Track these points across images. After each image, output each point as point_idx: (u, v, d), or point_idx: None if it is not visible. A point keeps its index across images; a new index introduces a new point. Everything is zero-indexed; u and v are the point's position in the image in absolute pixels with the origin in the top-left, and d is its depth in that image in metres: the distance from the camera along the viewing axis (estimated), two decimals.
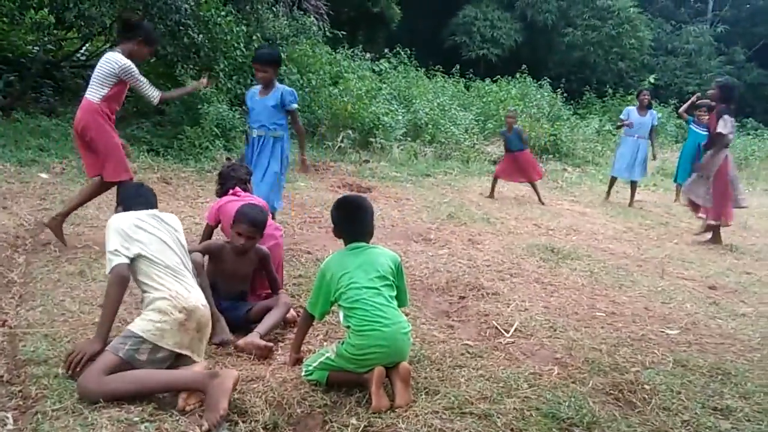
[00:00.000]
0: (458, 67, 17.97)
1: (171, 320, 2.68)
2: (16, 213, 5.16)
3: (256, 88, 5.16)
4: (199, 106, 8.78)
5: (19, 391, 2.55)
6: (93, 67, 10.77)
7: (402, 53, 16.55)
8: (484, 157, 11.86)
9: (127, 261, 2.74)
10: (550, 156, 13.13)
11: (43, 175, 6.48)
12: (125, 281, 2.75)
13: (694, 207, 7.04)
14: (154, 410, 2.44)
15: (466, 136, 12.32)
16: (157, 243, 2.87)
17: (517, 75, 17.69)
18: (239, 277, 3.61)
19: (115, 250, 2.75)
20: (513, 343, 3.56)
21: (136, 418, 2.38)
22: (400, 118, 11.77)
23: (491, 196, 8.50)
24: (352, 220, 2.99)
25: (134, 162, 7.63)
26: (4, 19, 9.37)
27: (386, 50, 16.52)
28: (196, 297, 2.82)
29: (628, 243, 6.55)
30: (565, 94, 17.65)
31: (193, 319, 2.74)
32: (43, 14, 9.43)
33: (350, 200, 3.15)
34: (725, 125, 6.55)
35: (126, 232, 2.81)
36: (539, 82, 17.50)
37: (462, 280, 4.61)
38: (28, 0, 8.81)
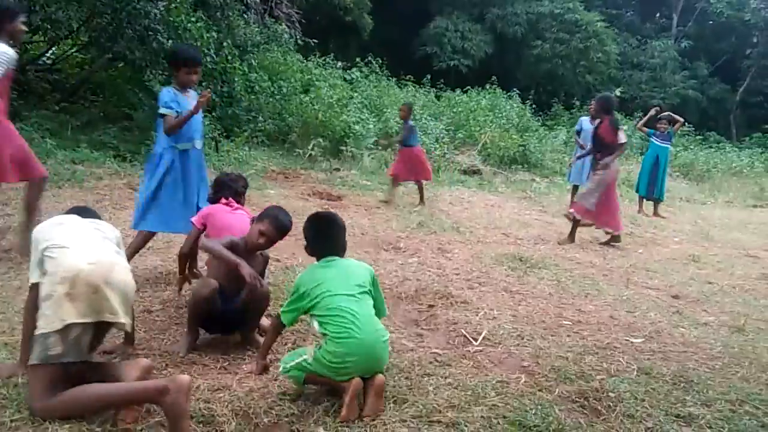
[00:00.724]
0: (429, 77, 18.11)
1: (56, 298, 2.42)
2: None
3: (177, 91, 4.16)
4: None
5: None
6: (59, 71, 10.59)
7: (373, 62, 16.62)
8: (455, 166, 11.94)
9: (36, 280, 2.56)
10: (519, 166, 13.28)
11: None
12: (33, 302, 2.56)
13: (588, 214, 6.95)
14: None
15: (437, 146, 12.40)
16: (61, 233, 2.65)
17: (487, 86, 17.89)
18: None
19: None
20: (481, 351, 3.58)
21: (98, 429, 2.33)
22: (371, 126, 11.80)
23: (387, 201, 8.20)
24: (325, 237, 2.99)
25: (100, 167, 7.52)
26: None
27: (358, 59, 16.57)
28: (75, 259, 2.50)
29: (594, 253, 6.65)
30: (533, 106, 17.90)
31: (79, 284, 2.44)
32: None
33: (322, 217, 3.15)
34: (623, 135, 6.88)
35: (37, 239, 2.63)
36: (509, 93, 17.72)
37: (431, 289, 4.63)
38: None
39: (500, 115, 15.58)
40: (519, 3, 23.56)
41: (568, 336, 3.95)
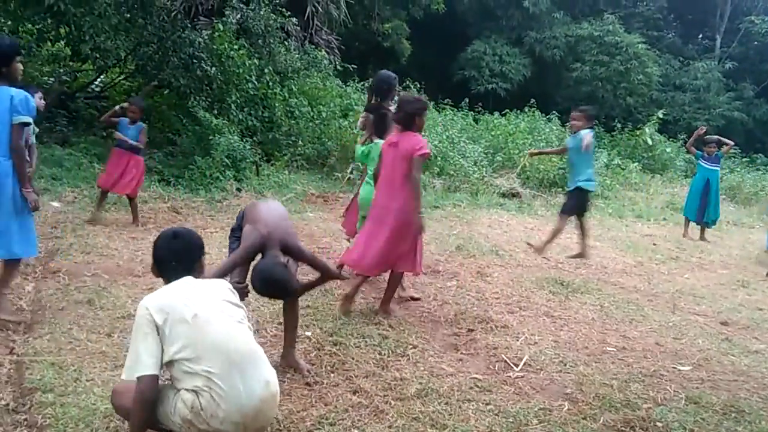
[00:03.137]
0: (467, 100, 18.11)
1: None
2: None
3: None
4: (211, 137, 8.87)
5: (25, 419, 2.54)
6: (107, 98, 10.93)
7: (412, 86, 16.72)
8: (493, 189, 11.86)
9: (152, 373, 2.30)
10: (559, 189, 13.11)
11: (55, 204, 6.53)
12: None
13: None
14: None
15: (475, 169, 12.33)
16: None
17: (526, 109, 17.79)
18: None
19: None
20: (522, 377, 3.51)
21: None
22: None
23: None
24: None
25: (145, 191, 7.70)
26: (22, 50, 9.53)
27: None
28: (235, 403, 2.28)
29: (638, 277, 6.49)
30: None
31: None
32: (59, 46, 9.62)
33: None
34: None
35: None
36: (548, 116, 17.59)
37: (470, 313, 4.58)
38: (45, 33, 8.99)
39: (539, 137, 15.45)
40: (557, 26, 23.50)
41: (613, 363, 3.85)
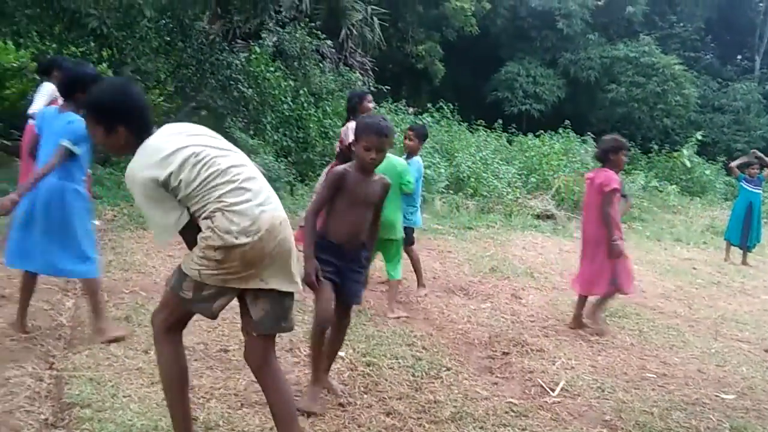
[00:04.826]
0: (501, 121, 18.07)
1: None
2: None
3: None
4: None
5: None
6: None
7: (445, 107, 16.76)
8: (528, 211, 11.76)
9: None
10: None
11: (96, 222, 6.66)
12: None
13: None
14: None
15: (509, 190, 12.26)
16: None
17: (560, 130, 17.67)
18: (362, 218, 3.12)
19: None
20: (559, 402, 3.44)
21: None
22: (442, 171, 11.82)
23: None
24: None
25: None
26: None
27: (429, 104, 16.75)
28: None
29: (678, 302, 6.33)
30: None
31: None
32: (102, 69, 9.89)
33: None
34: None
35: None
36: (582, 138, 17.43)
37: (505, 336, 4.51)
38: (88, 55, 9.29)
39: (574, 159, 15.31)
40: (592, 47, 23.39)
41: (653, 390, 3.75)
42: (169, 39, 9.47)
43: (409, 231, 5.26)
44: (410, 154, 5.32)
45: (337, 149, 5.76)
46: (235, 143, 7.32)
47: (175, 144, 2.26)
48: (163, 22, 9.34)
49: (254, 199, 2.29)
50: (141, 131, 2.32)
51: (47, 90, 5.33)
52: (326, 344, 3.20)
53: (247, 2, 9.55)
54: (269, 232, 2.26)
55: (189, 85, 9.75)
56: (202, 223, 2.24)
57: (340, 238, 3.08)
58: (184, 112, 10.86)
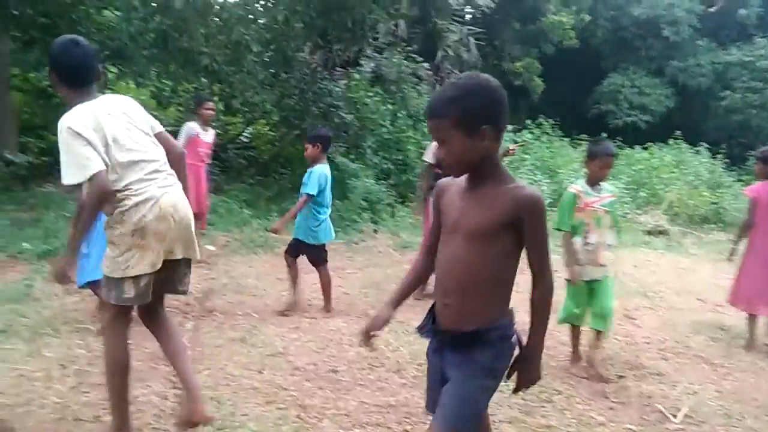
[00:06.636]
0: (605, 135, 17.44)
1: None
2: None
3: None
4: (348, 181, 9.20)
5: None
6: (254, 148, 11.67)
7: (545, 123, 16.41)
8: (638, 227, 11.24)
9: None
10: (712, 226, 12.17)
11: (210, 247, 7.03)
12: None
13: None
14: None
15: (617, 205, 11.80)
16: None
17: (670, 141, 16.82)
18: None
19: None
20: (682, 429, 3.24)
21: None
22: (544, 188, 11.56)
23: None
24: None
25: (289, 235, 8.09)
26: (180, 108, 10.54)
27: (528, 121, 16.48)
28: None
29: None
30: (726, 160, 16.45)
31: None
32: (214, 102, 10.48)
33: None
34: None
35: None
36: (696, 148, 16.49)
37: (619, 358, 4.31)
38: (200, 90, 9.89)
39: (687, 171, 14.51)
40: (702, 54, 22.21)
41: None
42: (273, 71, 9.92)
43: (319, 248, 4.99)
44: (312, 162, 4.92)
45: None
46: (336, 168, 7.54)
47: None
48: (268, 55, 9.80)
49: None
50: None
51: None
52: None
53: (346, 31, 9.83)
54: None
55: (293, 114, 10.14)
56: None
57: None
58: (288, 139, 11.30)
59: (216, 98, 10.23)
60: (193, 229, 2.70)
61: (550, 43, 20.73)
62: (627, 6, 23.10)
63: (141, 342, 3.95)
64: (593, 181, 4.02)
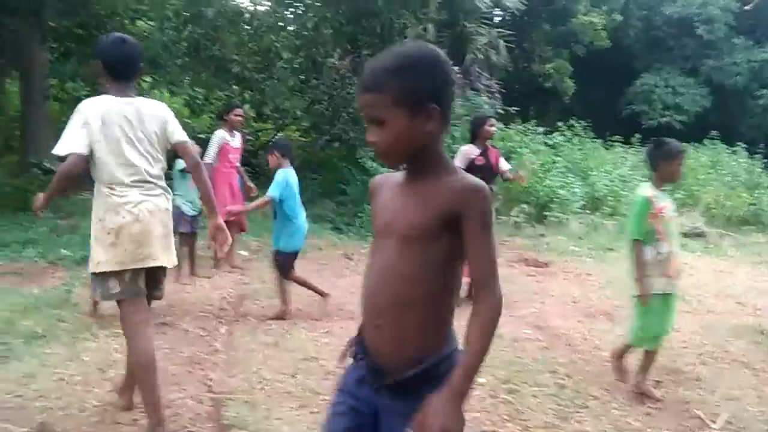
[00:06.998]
0: (638, 136, 17.18)
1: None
2: (222, 286, 5.70)
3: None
4: None
5: None
6: None
7: (576, 125, 16.22)
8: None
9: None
10: (751, 227, 11.87)
11: (243, 253, 7.11)
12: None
13: None
14: None
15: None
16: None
17: (706, 141, 16.50)
18: None
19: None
20: None
21: None
22: (576, 190, 11.42)
23: None
24: None
25: (320, 239, 8.15)
26: (212, 115, 10.69)
27: (559, 123, 16.30)
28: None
29: None
30: (765, 160, 16.06)
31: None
32: (245, 110, 10.62)
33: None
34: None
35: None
36: (732, 148, 16.14)
37: (657, 363, 4.22)
38: (232, 98, 10.03)
39: (724, 171, 14.20)
40: (738, 52, 21.76)
41: None
42: (303, 77, 10.00)
43: (293, 256, 4.87)
44: (274, 168, 4.85)
45: None
46: (366, 173, 7.61)
47: None
48: (298, 62, 9.89)
49: None
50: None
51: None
52: None
53: (375, 36, 9.87)
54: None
55: (322, 120, 10.21)
56: None
57: None
58: (319, 145, 11.37)
59: (247, 105, 10.38)
60: (171, 238, 2.87)
61: (581, 44, 20.52)
62: (659, 5, 22.77)
63: (177, 346, 4.02)
64: (663, 184, 3.67)
